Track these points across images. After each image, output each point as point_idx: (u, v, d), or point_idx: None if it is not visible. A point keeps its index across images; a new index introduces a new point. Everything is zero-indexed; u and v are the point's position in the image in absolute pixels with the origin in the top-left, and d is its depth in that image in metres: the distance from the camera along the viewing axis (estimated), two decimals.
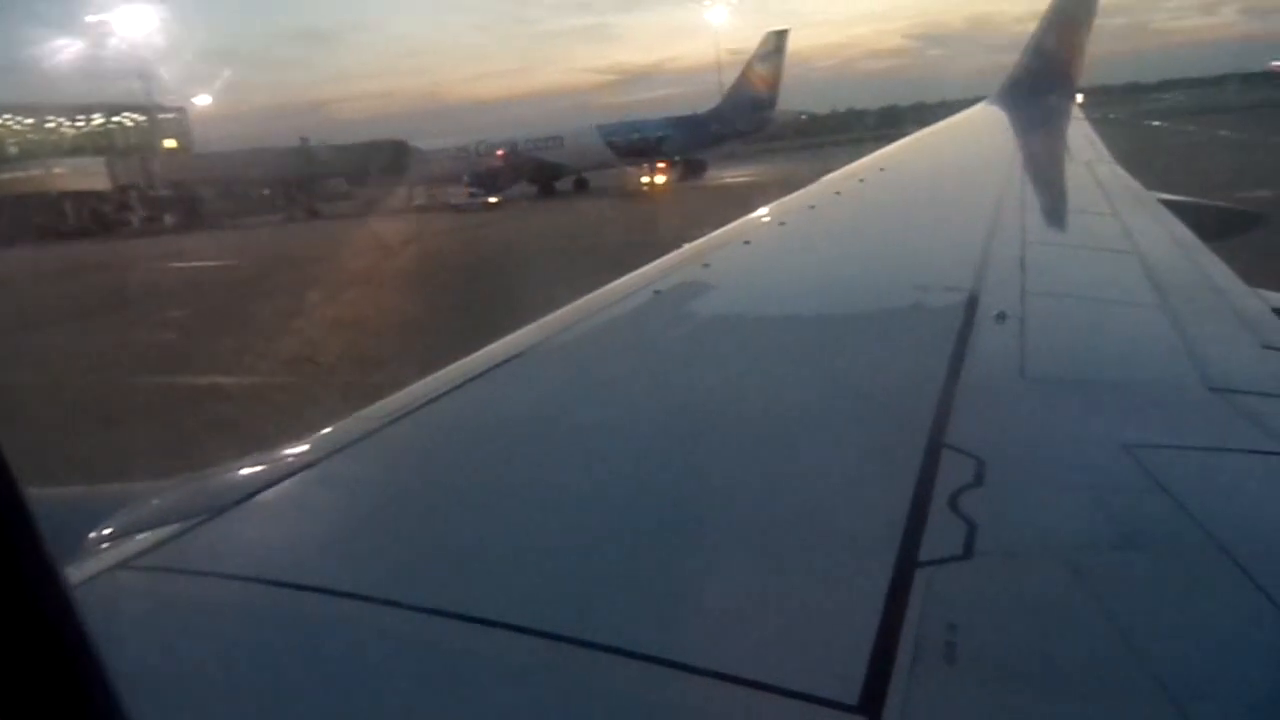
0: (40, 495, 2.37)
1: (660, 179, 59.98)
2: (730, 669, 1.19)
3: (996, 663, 1.22)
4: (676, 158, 64.15)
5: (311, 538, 1.73)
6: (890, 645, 1.22)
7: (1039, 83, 11.16)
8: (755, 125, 64.50)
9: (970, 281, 3.30)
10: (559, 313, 3.21)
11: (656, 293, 3.45)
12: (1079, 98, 11.43)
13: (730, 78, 66.59)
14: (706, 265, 3.93)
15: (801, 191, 6.18)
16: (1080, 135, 9.38)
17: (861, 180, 6.63)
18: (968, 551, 1.46)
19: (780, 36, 63.04)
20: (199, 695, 1.24)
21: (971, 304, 2.98)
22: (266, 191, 70.55)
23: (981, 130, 10.48)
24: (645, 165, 61.85)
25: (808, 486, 1.79)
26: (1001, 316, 2.81)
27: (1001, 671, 1.20)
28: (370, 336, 18.15)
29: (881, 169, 7.36)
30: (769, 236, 4.72)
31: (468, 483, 1.94)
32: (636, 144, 64.01)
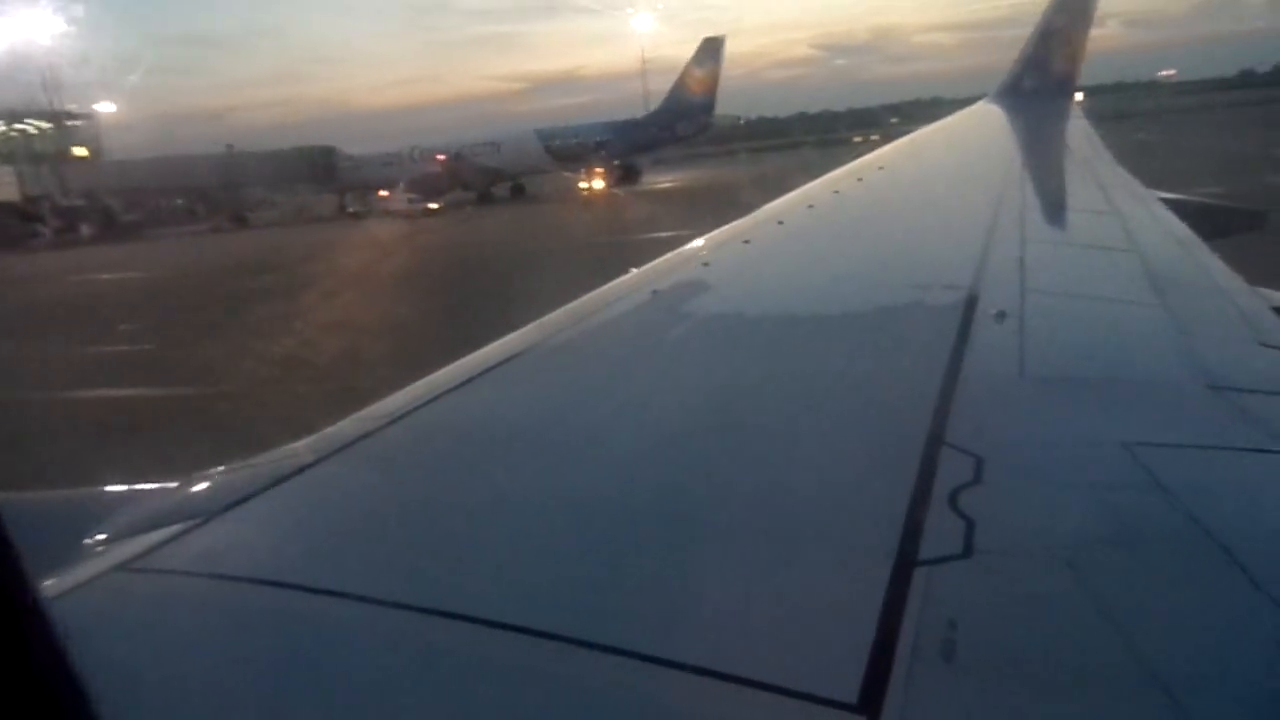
0: (37, 498, 2.28)
1: (598, 184, 60.20)
2: (730, 668, 1.20)
3: (995, 661, 1.23)
4: (615, 162, 64.47)
5: (308, 541, 1.73)
6: (889, 643, 1.23)
7: (1037, 81, 11.43)
8: (695, 130, 65.32)
9: (970, 280, 3.31)
10: (558, 312, 3.24)
11: (655, 292, 3.46)
12: (1078, 96, 11.93)
13: (646, 86, 67.48)
14: (706, 264, 3.96)
15: (800, 190, 6.21)
16: (1079, 133, 9.59)
17: (860, 179, 6.68)
18: (967, 550, 1.47)
19: (716, 42, 64.08)
20: (195, 698, 1.24)
21: (971, 302, 2.99)
22: (180, 201, 67.99)
23: (980, 128, 10.65)
24: (582, 170, 61.97)
25: (808, 485, 1.80)
26: (1001, 315, 2.83)
27: (1000, 670, 1.21)
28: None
29: (880, 167, 7.39)
30: (768, 235, 4.71)
31: (465, 484, 1.94)
32: (576, 148, 64.11)
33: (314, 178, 64.14)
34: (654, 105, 68.02)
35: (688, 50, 65.48)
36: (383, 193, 60.78)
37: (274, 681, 1.27)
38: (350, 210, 61.72)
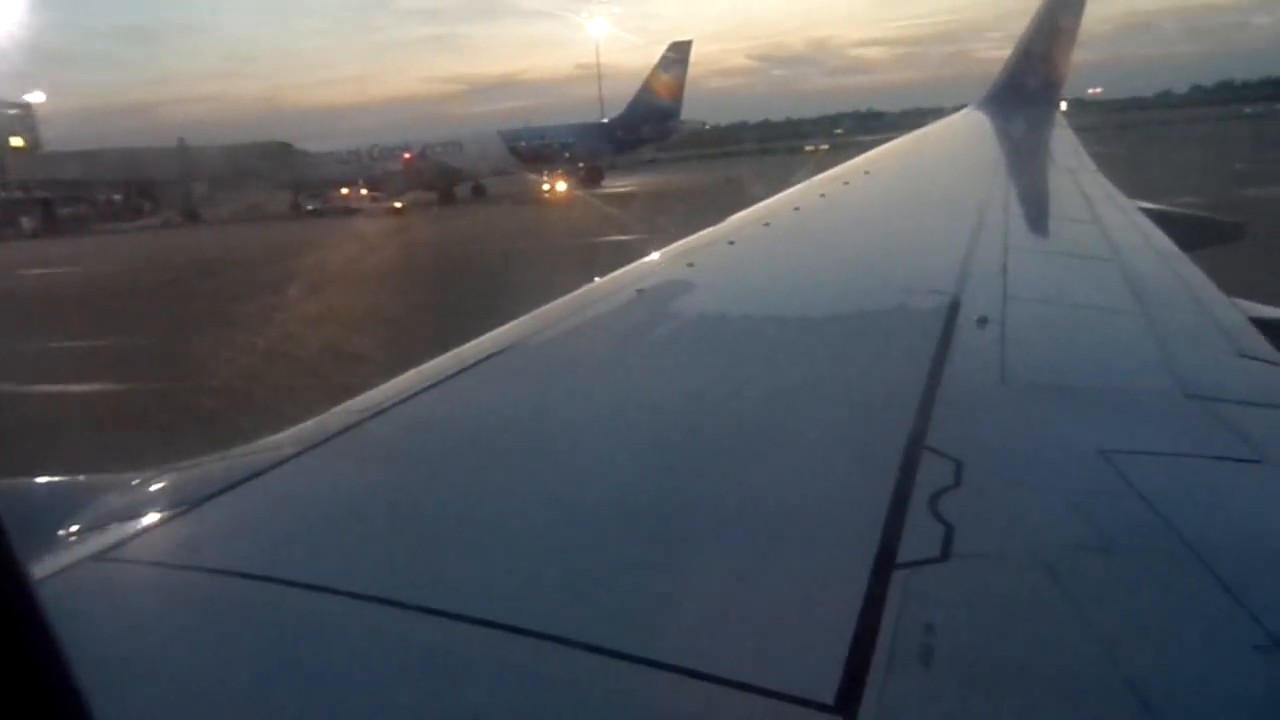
0: (12, 485, 2.26)
1: (562, 186, 60.17)
2: (707, 667, 1.22)
3: (972, 664, 1.25)
4: (580, 165, 64.43)
5: (286, 532, 1.74)
6: (867, 645, 1.25)
7: (1023, 90, 11.67)
8: (661, 133, 65.60)
9: (953, 285, 3.36)
10: (541, 310, 3.27)
11: (639, 291, 3.49)
12: (1063, 105, 12.26)
13: (580, 92, 68.01)
14: (690, 265, 3.99)
15: (786, 193, 6.24)
16: (1063, 142, 9.83)
17: (846, 183, 6.78)
18: (945, 553, 1.49)
19: (683, 47, 64.46)
20: (172, 690, 1.25)
21: (954, 308, 3.04)
22: (119, 196, 66.10)
23: (966, 135, 10.88)
24: (545, 172, 61.86)
25: (788, 487, 1.82)
26: (983, 321, 2.87)
27: (977, 673, 1.23)
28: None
29: (866, 172, 7.47)
30: (753, 237, 4.77)
31: (443, 481, 1.97)
32: (541, 150, 63.90)
33: (268, 174, 62.87)
34: (605, 109, 68.38)
35: (629, 57, 65.94)
36: (344, 190, 59.99)
37: (248, 675, 1.28)
38: (310, 208, 60.69)
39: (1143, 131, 66.74)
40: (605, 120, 67.13)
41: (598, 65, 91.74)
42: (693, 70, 65.46)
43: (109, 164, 63.49)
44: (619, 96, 68.84)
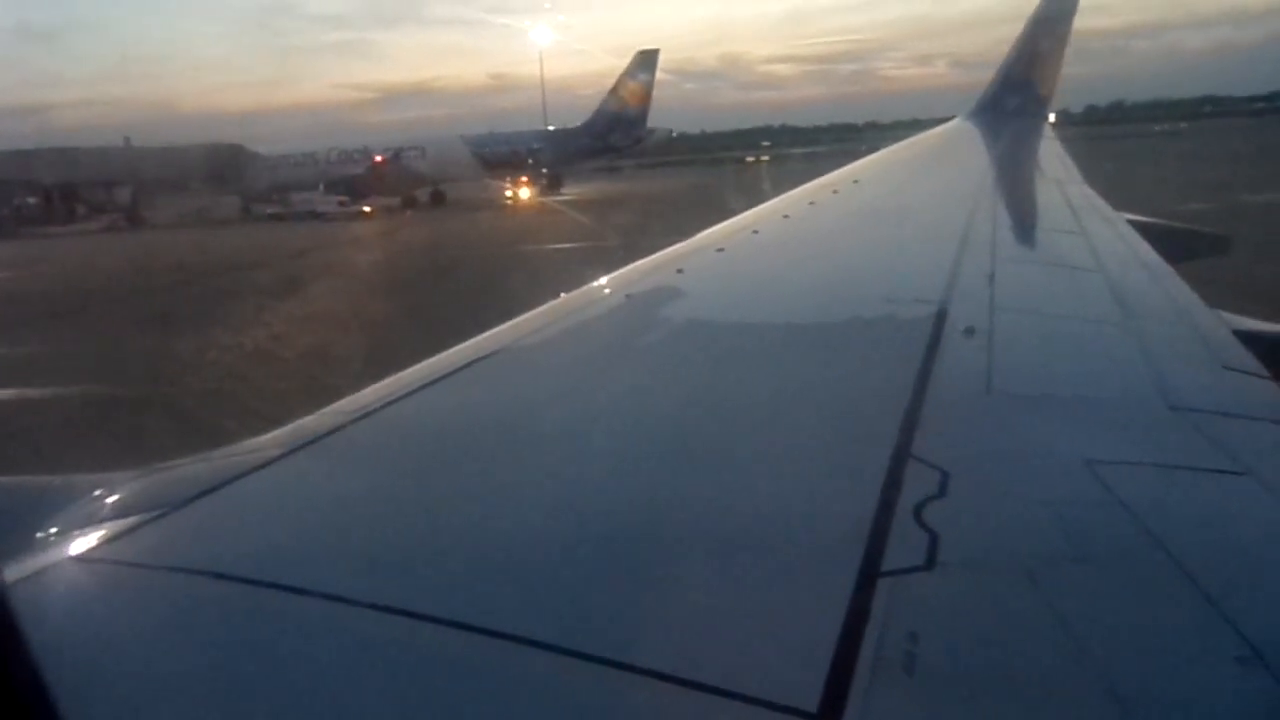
0: None
1: (525, 192, 60.13)
2: (691, 674, 1.23)
3: (956, 673, 1.27)
4: (544, 171, 64.46)
5: (268, 535, 1.76)
6: (851, 653, 1.27)
7: (1012, 101, 11.89)
8: (629, 141, 65.76)
9: (940, 296, 3.42)
10: (530, 314, 3.33)
11: (628, 297, 3.56)
12: (1051, 117, 12.49)
13: (493, 102, 68.67)
14: (680, 271, 4.07)
15: (775, 201, 6.38)
16: (1051, 154, 9.95)
17: (835, 192, 6.90)
18: (930, 562, 1.52)
19: (651, 55, 64.80)
20: (150, 695, 1.25)
21: (940, 318, 3.10)
22: (31, 199, 64.21)
23: (955, 146, 11.02)
24: (507, 178, 61.84)
25: (774, 495, 1.85)
26: (970, 331, 2.92)
27: (960, 681, 1.26)
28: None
29: (855, 181, 7.57)
30: (742, 245, 4.86)
31: (429, 483, 1.99)
32: (507, 156, 63.76)
33: (219, 177, 61.78)
34: (518, 119, 68.51)
35: (534, 69, 66.30)
36: (307, 194, 59.36)
37: (228, 679, 1.28)
38: (270, 212, 59.77)
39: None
40: (573, 127, 67.16)
41: (541, 74, 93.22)
42: (603, 82, 66.19)
43: (49, 165, 61.79)
44: (534, 107, 68.79)
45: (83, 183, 65.05)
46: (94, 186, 65.24)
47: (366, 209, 56.26)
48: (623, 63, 64.24)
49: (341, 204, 56.48)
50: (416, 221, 52.86)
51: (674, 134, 78.94)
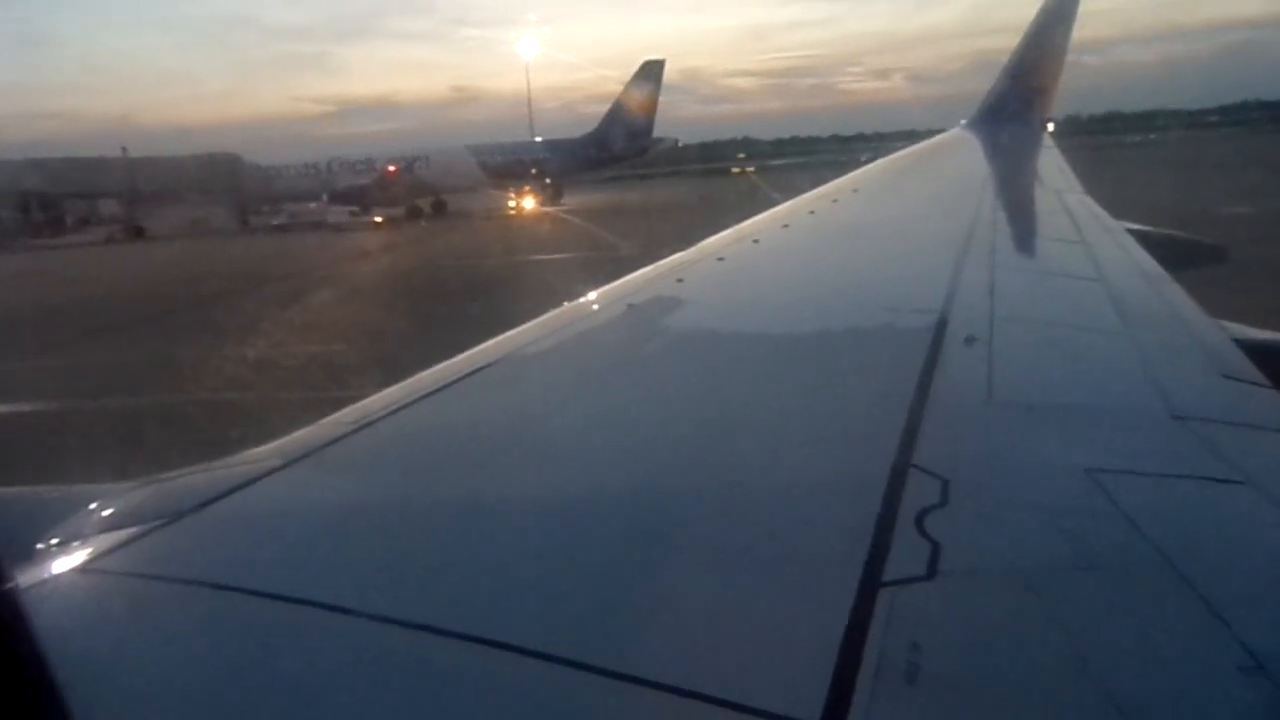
0: None
1: (529, 202, 60.31)
2: (694, 685, 1.24)
3: (958, 683, 1.28)
4: (548, 181, 64.65)
5: (271, 545, 1.77)
6: (853, 664, 1.27)
7: (1011, 110, 12.03)
8: (634, 151, 65.97)
9: (940, 304, 3.43)
10: (532, 324, 3.35)
11: (629, 306, 3.59)
12: (1050, 126, 12.36)
13: (455, 115, 69.00)
14: (680, 280, 4.10)
15: (775, 210, 6.46)
16: (1051, 163, 10.03)
17: (835, 201, 6.98)
18: (931, 572, 1.53)
19: (656, 65, 65.01)
20: (159, 704, 1.27)
21: (941, 327, 3.11)
22: (18, 210, 64.39)
23: (955, 154, 11.21)
24: (510, 188, 62.04)
25: (775, 504, 1.86)
26: (970, 340, 2.94)
27: (963, 692, 1.26)
28: None
29: (855, 190, 7.71)
30: (742, 254, 4.91)
31: (432, 492, 2.01)
32: (513, 166, 64.02)
33: (218, 187, 62.07)
34: (480, 131, 68.79)
35: (495, 82, 66.59)
36: (307, 205, 59.72)
37: (234, 689, 1.29)
38: (276, 223, 60.11)
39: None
40: (578, 136, 67.38)
41: (528, 87, 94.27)
42: (565, 94, 67.11)
43: (43, 175, 62.20)
44: (498, 119, 69.06)
45: (78, 194, 65.43)
46: (90, 198, 65.59)
47: (378, 219, 56.42)
48: (588, 76, 64.76)
49: (353, 214, 56.67)
50: (436, 231, 52.58)
51: (679, 143, 78.83)
